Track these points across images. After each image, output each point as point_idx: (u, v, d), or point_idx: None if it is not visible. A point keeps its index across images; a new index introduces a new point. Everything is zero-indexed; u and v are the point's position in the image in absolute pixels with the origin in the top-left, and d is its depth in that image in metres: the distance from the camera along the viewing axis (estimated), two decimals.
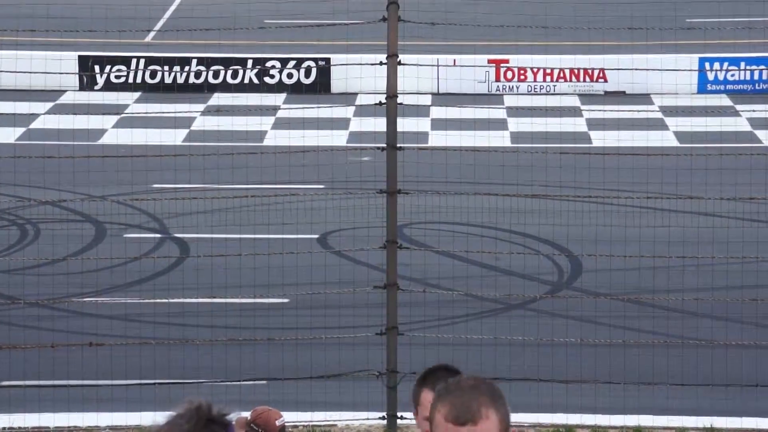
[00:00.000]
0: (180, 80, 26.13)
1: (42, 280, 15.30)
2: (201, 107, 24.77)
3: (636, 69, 24.11)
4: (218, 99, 25.56)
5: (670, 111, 23.91)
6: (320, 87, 26.43)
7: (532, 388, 11.76)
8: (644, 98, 25.43)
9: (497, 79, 26.42)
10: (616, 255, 13.41)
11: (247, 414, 7.19)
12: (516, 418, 12.59)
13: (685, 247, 15.00)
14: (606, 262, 14.15)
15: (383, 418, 11.13)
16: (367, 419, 11.32)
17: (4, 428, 11.39)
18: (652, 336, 13.39)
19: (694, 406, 11.85)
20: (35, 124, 23.38)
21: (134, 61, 26.38)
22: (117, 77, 26.20)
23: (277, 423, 7.17)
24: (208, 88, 26.13)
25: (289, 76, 26.53)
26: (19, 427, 11.37)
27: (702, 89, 26.25)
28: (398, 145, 11.06)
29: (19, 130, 22.84)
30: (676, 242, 15.51)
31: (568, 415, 11.59)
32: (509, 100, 25.81)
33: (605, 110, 22.32)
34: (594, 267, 15.21)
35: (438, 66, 25.74)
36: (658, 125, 23.55)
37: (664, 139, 22.36)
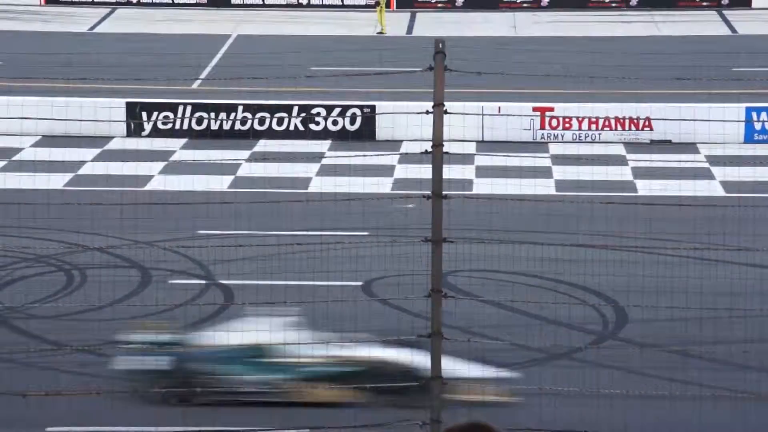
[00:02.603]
0: (226, 127, 26.32)
1: (88, 326, 15.38)
2: (246, 154, 24.93)
3: (682, 119, 24.01)
4: (264, 146, 25.72)
5: (716, 160, 23.79)
6: (365, 134, 26.53)
7: None
8: (690, 147, 25.33)
9: (542, 127, 26.42)
10: (663, 306, 13.30)
11: None
12: None
13: (733, 298, 14.86)
14: (652, 312, 14.04)
15: None
16: None
17: None
18: (699, 388, 13.24)
19: None
20: (83, 170, 23.60)
21: (181, 108, 26.62)
22: (164, 123, 26.44)
23: None
24: (254, 135, 26.29)
25: (335, 123, 26.66)
26: None
27: (749, 139, 26.11)
28: (444, 193, 11.06)
29: (68, 176, 23.07)
30: (724, 293, 15.37)
31: None
32: (554, 148, 25.79)
33: (651, 159, 22.25)
34: (640, 317, 15.08)
35: (483, 114, 25.77)
36: (705, 175, 23.42)
37: (711, 188, 22.21)
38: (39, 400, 11.96)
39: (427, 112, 11.20)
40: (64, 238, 18.59)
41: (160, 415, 12.31)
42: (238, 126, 26.37)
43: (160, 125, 26.43)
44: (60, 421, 12.47)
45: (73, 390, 12.45)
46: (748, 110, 26.11)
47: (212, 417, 12.34)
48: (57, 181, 22.33)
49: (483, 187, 22.35)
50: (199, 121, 26.52)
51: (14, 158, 24.29)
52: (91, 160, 24.23)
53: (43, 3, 40.06)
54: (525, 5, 39.91)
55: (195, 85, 29.86)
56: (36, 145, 25.48)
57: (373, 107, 26.44)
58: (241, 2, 40.21)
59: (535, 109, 26.36)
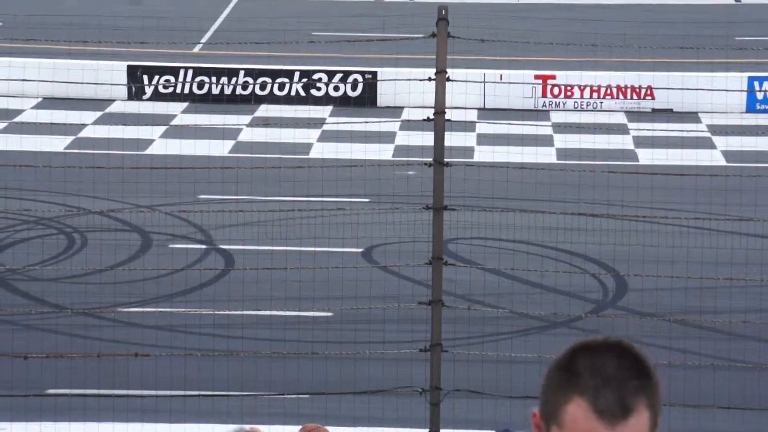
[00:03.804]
0: (227, 91, 26.26)
1: (89, 289, 15.41)
2: (248, 119, 24.88)
3: (685, 88, 23.97)
4: (265, 111, 25.66)
5: (718, 130, 23.75)
6: (367, 100, 26.47)
7: None
8: (692, 116, 25.28)
9: (544, 95, 26.36)
10: (663, 275, 13.31)
11: (296, 430, 7.18)
12: None
13: (733, 268, 14.88)
14: (652, 282, 14.06)
15: None
16: None
17: None
18: (699, 358, 13.28)
19: (741, 430, 11.73)
20: (84, 133, 23.57)
21: (182, 71, 26.54)
22: (165, 87, 26.37)
23: None
24: (255, 100, 26.24)
25: (336, 89, 26.59)
26: None
27: (751, 108, 26.06)
28: (445, 160, 11.05)
29: (69, 139, 23.04)
30: (724, 263, 15.38)
31: None
32: (556, 117, 25.74)
33: (653, 129, 22.21)
34: (640, 287, 15.11)
35: (485, 82, 25.70)
36: (706, 144, 23.39)
37: (713, 158, 22.20)
38: (40, 362, 12.00)
39: (430, 79, 11.17)
40: (65, 201, 18.59)
41: (160, 379, 12.35)
42: (239, 91, 26.31)
43: (161, 89, 26.37)
44: (61, 384, 12.51)
45: (73, 353, 12.49)
46: (751, 80, 26.05)
47: (211, 380, 12.39)
48: (58, 143, 22.31)
49: (484, 154, 22.33)
50: (201, 86, 26.45)
51: (15, 120, 24.25)
52: (92, 123, 24.19)
53: None
54: None
55: (196, 49, 29.77)
56: (37, 107, 25.44)
57: (374, 73, 26.38)
58: None
59: (537, 77, 26.30)
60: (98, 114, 24.92)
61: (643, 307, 14.95)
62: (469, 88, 23.18)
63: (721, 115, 24.95)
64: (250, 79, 26.43)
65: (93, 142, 22.49)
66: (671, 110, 25.78)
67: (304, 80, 26.44)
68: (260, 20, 32.81)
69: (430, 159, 11.08)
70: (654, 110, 26.01)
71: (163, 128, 23.85)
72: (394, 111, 25.49)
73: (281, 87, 26.52)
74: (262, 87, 26.41)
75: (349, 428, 11.45)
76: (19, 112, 24.89)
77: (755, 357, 13.47)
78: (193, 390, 12.10)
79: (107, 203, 18.08)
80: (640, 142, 23.45)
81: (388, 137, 23.18)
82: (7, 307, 14.61)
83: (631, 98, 26.23)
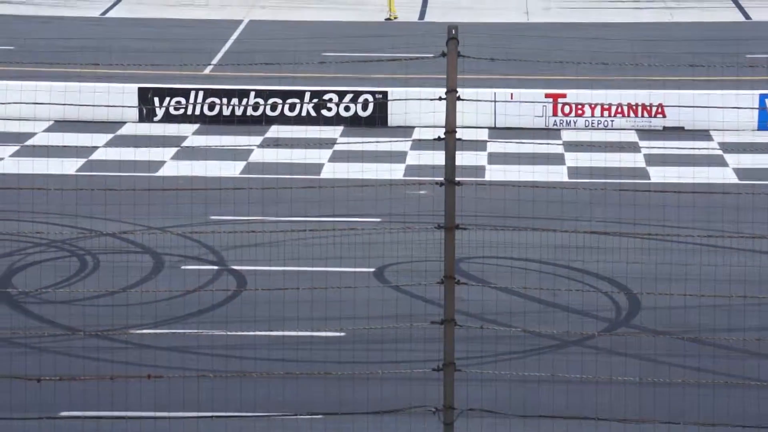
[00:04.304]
0: (238, 112, 26.33)
1: (101, 311, 15.42)
2: (259, 140, 24.92)
3: (696, 106, 23.95)
4: (276, 131, 25.70)
5: (730, 147, 23.71)
6: (378, 120, 26.50)
7: (589, 427, 11.64)
8: (704, 134, 25.25)
9: (555, 114, 26.36)
10: (676, 293, 13.28)
11: None
12: None
13: (747, 286, 14.82)
14: (665, 300, 14.02)
15: None
16: None
17: None
18: (713, 376, 13.22)
19: None
20: (96, 156, 23.63)
21: (193, 93, 26.61)
22: (176, 109, 26.45)
23: None
24: (266, 121, 26.29)
25: (347, 109, 26.63)
26: None
27: (763, 126, 26.01)
28: (457, 180, 11.04)
29: (80, 161, 23.09)
30: (738, 281, 15.33)
31: None
32: (567, 135, 25.73)
33: (664, 147, 22.19)
34: (653, 305, 15.07)
35: (495, 101, 25.72)
36: (718, 162, 23.36)
37: (725, 176, 22.16)
38: (53, 384, 12.00)
39: (440, 99, 11.17)
40: (77, 223, 18.63)
41: (173, 400, 12.34)
42: (250, 111, 26.37)
43: (172, 111, 26.44)
44: (74, 406, 12.50)
45: (86, 375, 12.48)
46: (762, 97, 26.01)
47: (224, 401, 12.37)
48: (70, 166, 22.36)
49: (496, 173, 22.31)
50: (211, 107, 26.51)
51: (27, 143, 24.32)
52: (104, 146, 24.25)
53: None
54: None
55: (207, 71, 29.84)
56: (49, 130, 25.51)
57: (385, 93, 26.41)
58: None
59: (547, 95, 26.30)
60: (109, 136, 24.98)
61: (657, 326, 14.90)
62: (479, 107, 23.20)
63: (733, 132, 24.92)
64: (260, 100, 26.48)
65: (104, 164, 22.53)
66: (682, 128, 25.74)
67: (315, 101, 26.48)
68: (270, 41, 32.91)
69: (442, 178, 11.08)
70: (665, 128, 25.98)
71: (174, 150, 23.90)
72: (405, 131, 25.51)
73: (292, 107, 26.56)
74: (273, 108, 26.46)
75: None
76: (30, 135, 24.97)
77: None
78: (206, 411, 12.08)
79: (119, 225, 18.10)
80: (652, 160, 23.42)
81: (399, 157, 23.19)
82: (21, 329, 14.63)
83: (642, 116, 26.22)
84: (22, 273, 16.96)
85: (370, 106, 26.56)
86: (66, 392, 12.50)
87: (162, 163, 23.09)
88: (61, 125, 25.36)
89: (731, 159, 23.35)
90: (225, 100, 26.44)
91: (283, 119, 26.33)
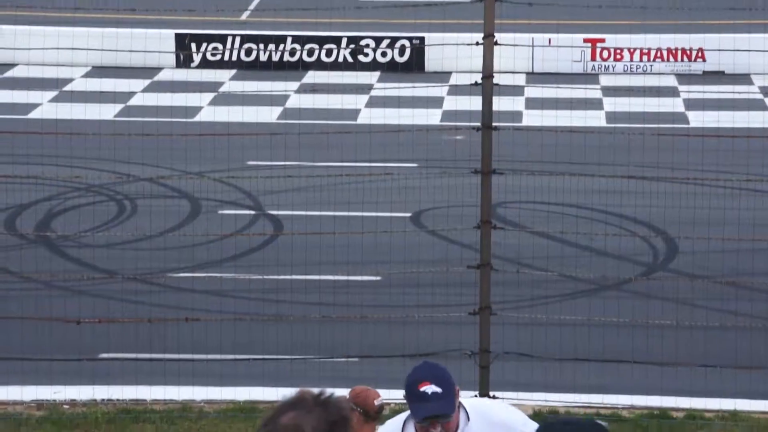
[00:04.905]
0: (275, 58, 26.29)
1: (139, 255, 15.53)
2: (295, 85, 24.90)
3: (736, 50, 23.70)
4: (313, 77, 25.67)
5: None
6: (415, 66, 26.40)
7: (626, 370, 11.65)
8: (744, 78, 24.99)
9: (593, 59, 26.16)
10: (714, 237, 13.22)
11: (345, 393, 7.21)
12: (609, 399, 12.51)
13: None
14: (703, 244, 13.95)
15: (475, 396, 11.11)
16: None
17: (102, 400, 11.61)
18: (750, 319, 13.18)
19: None
20: (133, 101, 23.69)
21: (230, 39, 26.59)
22: (213, 55, 26.44)
23: (376, 403, 7.19)
24: (303, 66, 26.25)
25: (384, 54, 26.53)
26: (117, 399, 11.57)
27: None
28: (494, 125, 11.00)
29: (118, 107, 23.17)
30: None
31: (663, 398, 11.47)
32: (605, 80, 25.54)
33: (704, 91, 21.99)
34: (691, 249, 15.00)
35: (533, 46, 25.54)
36: (759, 106, 23.13)
37: (765, 120, 21.96)
38: (92, 326, 12.12)
39: (477, 44, 11.11)
40: (115, 169, 18.73)
41: (210, 343, 12.45)
42: (287, 57, 26.32)
43: (209, 56, 26.44)
44: (113, 348, 12.65)
45: (125, 318, 12.60)
46: None
47: (261, 344, 12.46)
48: (107, 111, 22.44)
49: (533, 118, 22.22)
50: (248, 53, 26.49)
51: (65, 89, 24.42)
52: (141, 91, 24.31)
53: None
54: None
55: (244, 16, 29.79)
56: (86, 75, 25.59)
57: (422, 39, 26.28)
58: None
59: (586, 40, 26.09)
60: (147, 82, 25.04)
61: (694, 270, 14.84)
62: (517, 52, 23.05)
63: None
64: (297, 46, 26.43)
65: (142, 110, 22.60)
66: (723, 72, 25.49)
67: (352, 46, 26.40)
68: None
69: (478, 123, 11.04)
70: (705, 72, 25.73)
71: (211, 95, 23.92)
72: (442, 76, 25.40)
73: (329, 53, 26.49)
74: (310, 53, 26.40)
75: (398, 391, 11.48)
76: (69, 80, 25.07)
77: None
78: (243, 354, 12.18)
79: (157, 170, 18.18)
80: (691, 104, 23.22)
81: (435, 102, 23.12)
82: (60, 273, 14.77)
83: (682, 60, 25.97)
84: (61, 217, 17.09)
85: (407, 52, 26.46)
86: (105, 334, 12.64)
87: (199, 108, 23.13)
88: (99, 71, 25.43)
89: None
90: (262, 46, 26.41)
91: (319, 65, 26.28)
